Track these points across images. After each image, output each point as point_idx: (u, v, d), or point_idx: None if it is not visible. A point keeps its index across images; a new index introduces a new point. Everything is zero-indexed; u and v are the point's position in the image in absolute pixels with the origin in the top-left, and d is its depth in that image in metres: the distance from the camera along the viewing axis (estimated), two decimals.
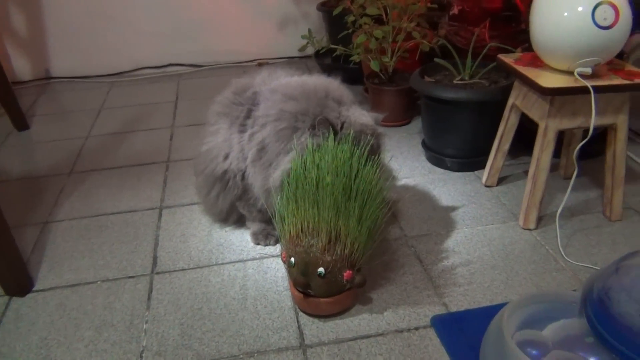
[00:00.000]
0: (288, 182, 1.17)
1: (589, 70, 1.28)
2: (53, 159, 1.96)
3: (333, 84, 1.31)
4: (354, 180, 1.13)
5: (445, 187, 1.66)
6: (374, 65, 1.90)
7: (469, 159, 1.72)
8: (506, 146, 1.57)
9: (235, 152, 1.33)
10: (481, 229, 1.46)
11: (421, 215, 1.53)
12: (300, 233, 1.15)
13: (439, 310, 1.19)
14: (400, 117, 2.06)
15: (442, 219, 1.51)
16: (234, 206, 1.43)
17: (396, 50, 1.97)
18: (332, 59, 2.41)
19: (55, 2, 2.65)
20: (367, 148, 1.18)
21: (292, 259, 1.15)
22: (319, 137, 1.19)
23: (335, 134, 1.20)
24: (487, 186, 1.65)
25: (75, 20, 2.70)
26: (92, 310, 1.24)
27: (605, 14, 1.21)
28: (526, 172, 1.44)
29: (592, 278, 1.03)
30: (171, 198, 1.67)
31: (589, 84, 1.26)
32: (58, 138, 2.14)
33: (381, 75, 2.03)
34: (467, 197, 1.60)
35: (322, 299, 1.15)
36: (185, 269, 1.36)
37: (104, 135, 2.15)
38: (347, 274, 1.13)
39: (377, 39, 1.90)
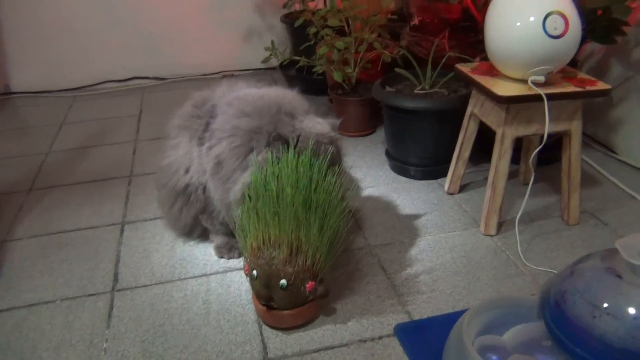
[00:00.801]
0: (249, 195, 1.16)
1: (542, 79, 1.32)
2: (12, 176, 1.91)
3: (287, 96, 1.30)
4: (314, 191, 1.14)
5: (409, 195, 1.68)
6: (337, 76, 1.92)
7: (431, 167, 1.74)
8: (466, 154, 1.60)
9: (195, 165, 1.32)
10: (443, 236, 1.47)
11: (385, 224, 1.54)
12: (262, 245, 1.15)
13: (402, 318, 1.19)
14: (365, 127, 2.08)
15: (406, 228, 1.52)
16: (197, 220, 1.42)
17: (358, 61, 1.99)
18: (296, 70, 2.42)
19: (14, 15, 2.61)
20: (327, 157, 1.18)
21: (254, 272, 1.14)
22: (277, 151, 1.19)
23: (293, 147, 1.20)
24: (449, 194, 1.67)
25: (35, 33, 2.66)
26: (51, 330, 1.20)
27: (555, 24, 1.25)
28: (487, 179, 1.46)
29: (549, 282, 1.05)
30: (134, 213, 1.65)
31: (542, 92, 1.29)
32: (18, 154, 2.09)
33: (344, 85, 2.04)
34: (430, 205, 1.62)
35: (285, 311, 1.15)
36: (147, 285, 1.33)
37: (65, 150, 2.11)
38: (309, 285, 1.13)
39: (339, 50, 1.91)
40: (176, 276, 1.36)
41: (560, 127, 1.38)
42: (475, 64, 1.53)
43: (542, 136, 1.35)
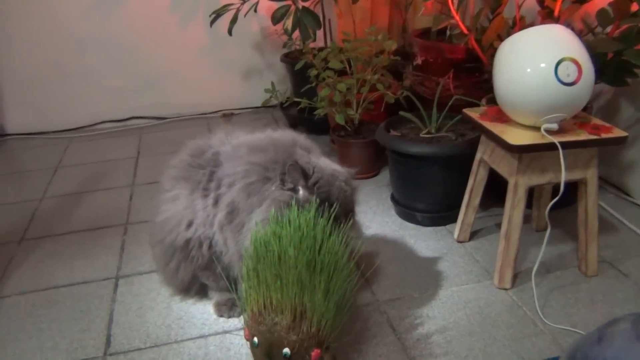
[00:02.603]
0: (250, 256, 1.09)
1: (555, 127, 1.26)
2: (3, 225, 1.85)
3: (299, 136, 1.27)
4: (319, 252, 1.06)
5: (417, 243, 1.61)
6: (339, 119, 1.87)
7: (439, 213, 1.67)
8: (476, 201, 1.53)
9: (200, 219, 1.25)
10: (455, 290, 1.39)
11: (393, 277, 1.46)
12: (263, 310, 1.07)
13: None
14: (368, 169, 2.02)
15: (415, 280, 1.44)
16: (196, 277, 1.34)
17: (361, 102, 1.94)
18: (297, 110, 2.37)
19: (9, 55, 2.57)
20: (342, 198, 1.15)
21: (255, 339, 1.06)
22: (294, 180, 1.14)
23: (307, 178, 1.15)
24: (459, 242, 1.60)
25: (31, 74, 2.62)
26: None
27: (568, 71, 1.19)
28: (498, 225, 1.39)
29: (575, 346, 0.97)
30: (129, 266, 1.57)
31: (556, 140, 1.23)
32: (10, 201, 2.03)
33: (347, 127, 1.99)
34: (440, 255, 1.54)
35: None
36: (141, 349, 1.25)
37: (60, 196, 2.04)
38: (314, 353, 1.05)
39: (340, 92, 1.86)
40: (172, 338, 1.28)
41: (575, 176, 1.31)
42: (484, 108, 1.47)
43: (556, 184, 1.29)
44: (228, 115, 2.85)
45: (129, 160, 2.35)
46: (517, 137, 1.27)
